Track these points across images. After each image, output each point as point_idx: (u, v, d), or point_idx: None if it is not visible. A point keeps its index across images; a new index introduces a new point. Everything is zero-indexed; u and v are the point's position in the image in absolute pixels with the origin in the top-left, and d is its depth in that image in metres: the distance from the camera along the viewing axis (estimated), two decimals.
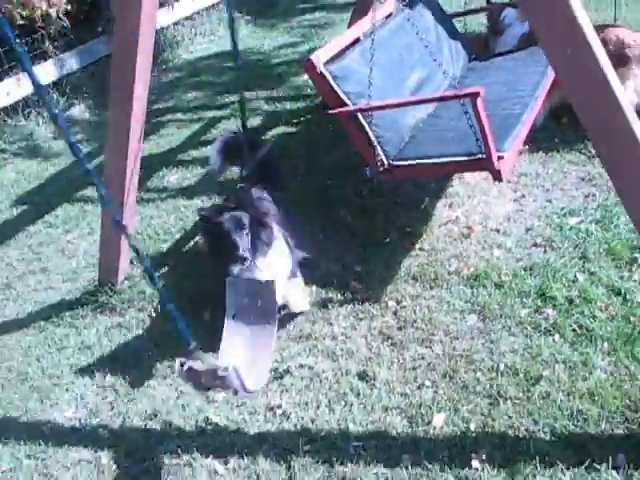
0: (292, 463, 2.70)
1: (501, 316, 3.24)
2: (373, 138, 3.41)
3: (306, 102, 6.21)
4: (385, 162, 3.45)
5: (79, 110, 7.19)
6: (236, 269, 3.13)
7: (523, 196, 4.17)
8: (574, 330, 3.08)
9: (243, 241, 3.11)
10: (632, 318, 3.06)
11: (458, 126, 3.38)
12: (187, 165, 5.54)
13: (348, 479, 2.60)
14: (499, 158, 3.11)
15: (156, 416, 3.07)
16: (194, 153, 5.75)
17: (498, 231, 3.86)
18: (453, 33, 4.63)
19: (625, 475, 2.40)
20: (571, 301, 3.24)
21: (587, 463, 2.46)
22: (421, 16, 4.37)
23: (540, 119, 4.55)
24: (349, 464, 2.65)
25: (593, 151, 4.21)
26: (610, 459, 2.45)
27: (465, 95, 3.01)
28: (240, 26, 8.80)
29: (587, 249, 3.56)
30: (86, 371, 3.49)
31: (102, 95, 7.05)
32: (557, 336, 3.07)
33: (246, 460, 2.76)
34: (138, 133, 3.63)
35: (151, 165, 5.48)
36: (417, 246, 3.81)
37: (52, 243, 4.83)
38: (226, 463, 2.79)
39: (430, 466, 2.58)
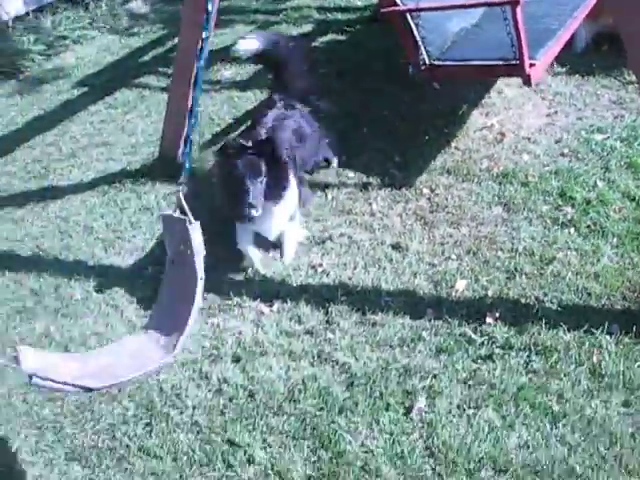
0: (330, 309, 3.12)
1: (524, 209, 3.58)
2: (418, 38, 3.72)
3: (356, 14, 6.44)
4: (427, 61, 3.76)
5: (137, 5, 7.43)
6: (242, 215, 3.21)
7: (556, 112, 4.45)
8: (588, 226, 3.42)
9: (256, 190, 3.14)
10: None
11: (498, 36, 3.64)
12: (240, 62, 5.83)
13: (378, 324, 3.01)
14: (531, 65, 3.42)
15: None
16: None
17: (529, 139, 4.17)
18: None
19: (616, 339, 2.78)
20: (589, 202, 3.57)
21: (585, 327, 2.84)
22: None
23: (581, 44, 4.80)
24: (380, 313, 3.06)
25: (628, 77, 4.49)
26: (606, 326, 2.83)
27: (506, 2, 3.30)
28: None
29: (609, 161, 3.86)
30: (147, 228, 3.90)
31: None
32: (572, 229, 3.42)
33: (289, 304, 3.18)
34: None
35: (210, 59, 5.76)
36: (453, 145, 4.14)
37: (112, 122, 5.20)
38: (271, 306, 3.20)
39: (450, 320, 2.98)
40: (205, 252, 2.64)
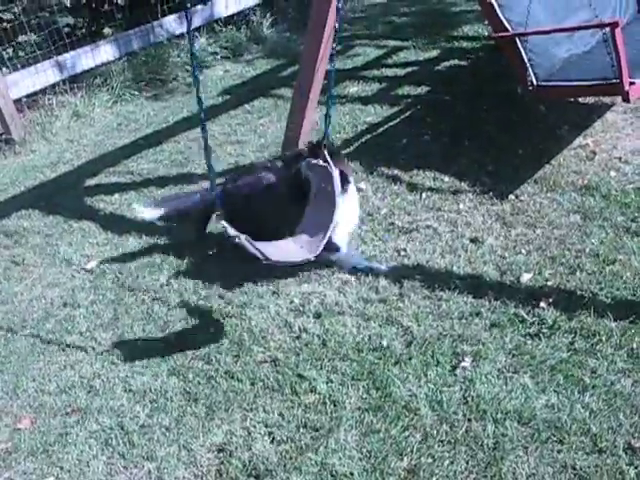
0: (404, 285, 3.56)
1: (599, 218, 3.86)
2: (526, 60, 4.12)
3: (480, 43, 6.87)
4: (534, 82, 4.15)
5: (282, 28, 8.23)
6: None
7: None
8: None
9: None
10: None
11: (603, 59, 3.99)
12: (367, 81, 6.42)
13: (443, 300, 3.42)
14: (630, 84, 3.73)
15: None
16: (375, 72, 6.62)
17: (620, 159, 4.42)
18: None
19: None
20: None
21: (632, 319, 3.11)
22: None
23: None
24: (447, 291, 3.46)
25: None
26: None
27: (605, 25, 3.65)
28: None
29: None
30: None
31: (305, 18, 8.07)
32: None
33: (370, 278, 3.65)
34: (324, 52, 4.53)
35: (336, 77, 6.38)
36: (544, 160, 4.47)
37: (247, 124, 5.91)
38: (354, 275, 3.68)
39: (508, 302, 3.33)
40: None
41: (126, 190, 5.05)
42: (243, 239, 2.94)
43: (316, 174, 3.39)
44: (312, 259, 3.15)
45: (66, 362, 3.43)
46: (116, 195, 4.99)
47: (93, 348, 3.49)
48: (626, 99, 3.87)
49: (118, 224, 4.57)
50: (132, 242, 4.34)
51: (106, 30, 7.36)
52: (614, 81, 3.82)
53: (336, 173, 3.30)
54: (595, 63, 4.17)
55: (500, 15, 4.23)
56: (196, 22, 7.62)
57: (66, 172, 5.57)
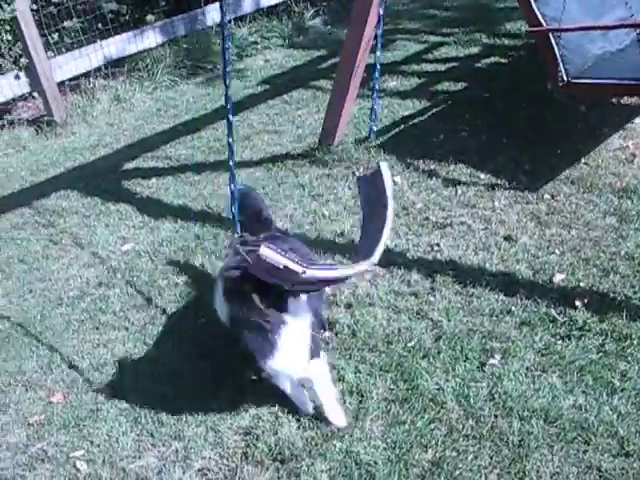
0: (436, 279, 3.56)
1: (637, 222, 3.82)
2: (558, 56, 4.09)
3: (521, 41, 6.81)
4: (565, 78, 4.12)
5: (323, 20, 8.26)
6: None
7: None
8: None
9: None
10: None
11: (637, 60, 3.95)
12: (406, 75, 6.41)
13: (475, 296, 3.42)
14: None
15: None
16: (414, 67, 6.60)
17: None
18: None
19: None
20: None
21: None
22: None
23: None
24: (478, 288, 3.46)
25: None
26: None
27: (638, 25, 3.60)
28: None
29: None
30: (297, 200, 4.52)
31: (345, 11, 8.11)
32: None
33: (403, 271, 3.66)
34: (367, 44, 4.56)
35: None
36: (583, 161, 4.43)
37: (285, 114, 5.94)
38: (386, 268, 3.69)
39: (539, 301, 3.32)
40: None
41: (163, 175, 5.12)
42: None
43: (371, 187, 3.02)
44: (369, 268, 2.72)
45: (99, 340, 3.51)
46: (153, 179, 5.06)
47: (126, 328, 3.56)
48: None
49: (155, 208, 4.65)
50: (167, 226, 4.40)
51: (149, 17, 7.44)
52: None
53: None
54: (628, 62, 4.14)
55: (535, 9, 4.22)
56: (241, 11, 7.67)
57: (105, 155, 5.67)
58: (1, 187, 5.41)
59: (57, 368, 3.36)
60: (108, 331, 3.55)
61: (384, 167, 2.90)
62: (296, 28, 7.93)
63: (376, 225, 2.80)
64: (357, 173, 4.68)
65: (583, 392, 2.82)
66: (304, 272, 2.31)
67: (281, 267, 2.28)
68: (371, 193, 2.99)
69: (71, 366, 3.36)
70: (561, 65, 4.15)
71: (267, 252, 2.27)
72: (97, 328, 3.59)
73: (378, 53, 4.67)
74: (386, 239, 2.72)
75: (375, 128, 5.04)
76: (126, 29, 7.03)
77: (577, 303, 3.27)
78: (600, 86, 4.06)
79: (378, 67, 4.73)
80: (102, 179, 5.20)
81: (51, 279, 4.07)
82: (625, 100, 5.06)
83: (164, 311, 3.62)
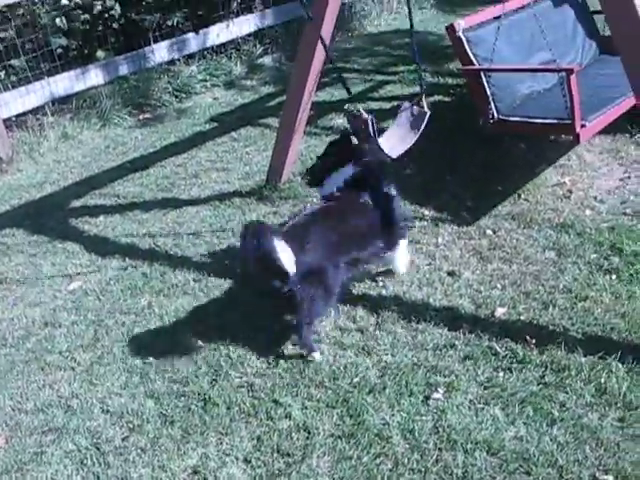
0: (381, 315, 3.63)
1: (574, 255, 3.96)
2: (489, 94, 4.28)
3: (464, 80, 7.00)
4: (495, 116, 4.30)
5: (271, 59, 8.39)
6: None
7: (629, 177, 4.81)
8: (630, 275, 3.75)
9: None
10: None
11: (559, 99, 4.14)
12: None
13: (419, 331, 3.49)
14: (582, 126, 3.88)
15: None
16: (360, 105, 6.71)
17: (595, 198, 4.55)
18: (590, 28, 5.38)
19: (628, 367, 3.10)
20: (637, 254, 3.90)
21: (601, 354, 3.18)
22: (561, 9, 5.19)
23: None
24: (423, 323, 3.53)
25: None
26: (620, 355, 3.16)
27: (562, 69, 3.81)
28: (428, 8, 9.81)
29: None
30: None
31: (293, 49, 8.26)
32: (614, 276, 3.76)
33: (348, 307, 3.71)
34: (313, 81, 4.67)
35: (323, 109, 6.54)
36: (523, 197, 4.59)
37: (233, 152, 6.01)
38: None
39: (482, 335, 3.41)
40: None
41: (111, 213, 5.11)
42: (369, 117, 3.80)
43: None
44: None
45: (45, 381, 3.47)
46: (101, 217, 5.05)
47: (72, 368, 3.53)
48: (577, 141, 4.05)
49: (102, 246, 4.63)
50: (115, 264, 4.39)
51: (99, 53, 7.45)
52: (567, 122, 3.99)
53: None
54: (553, 102, 4.34)
55: (468, 50, 4.41)
56: (188, 50, 7.76)
57: (52, 192, 5.64)
58: None
59: (0, 411, 3.30)
60: (54, 371, 3.52)
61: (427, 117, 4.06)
62: (244, 66, 8.02)
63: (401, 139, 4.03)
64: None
65: (524, 423, 2.89)
66: None
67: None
68: (407, 120, 4.10)
69: (14, 408, 3.31)
70: (492, 103, 4.34)
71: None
72: (42, 369, 3.55)
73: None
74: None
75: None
76: (74, 66, 7.03)
77: (518, 337, 3.36)
78: (528, 124, 4.26)
79: None
80: (49, 217, 5.17)
81: None
82: (561, 138, 5.26)
83: (111, 350, 3.60)
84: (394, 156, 3.88)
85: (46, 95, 6.65)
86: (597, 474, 2.63)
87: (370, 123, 3.75)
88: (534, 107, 4.40)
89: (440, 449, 2.81)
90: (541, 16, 4.51)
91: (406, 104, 4.10)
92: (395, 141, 4.02)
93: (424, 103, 4.09)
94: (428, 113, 4.02)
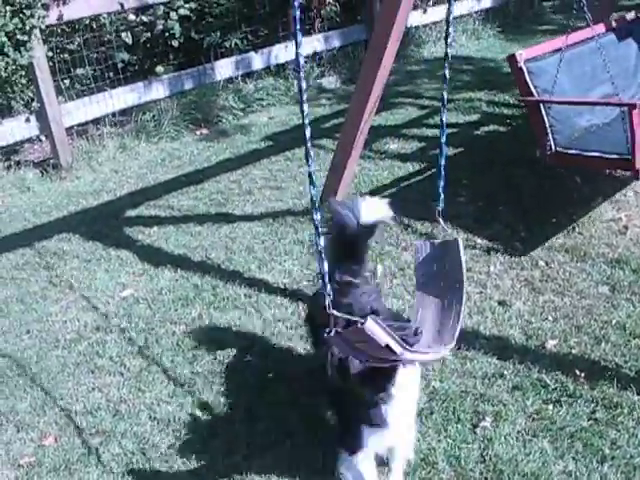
0: None
1: (629, 292, 3.90)
2: (547, 126, 4.27)
3: (520, 110, 6.99)
4: (553, 148, 4.28)
5: (328, 81, 8.48)
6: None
7: None
8: None
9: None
10: None
11: (620, 134, 4.11)
12: (407, 139, 6.57)
13: (468, 358, 3.47)
14: None
15: None
16: (415, 131, 6.77)
17: None
18: None
19: None
20: None
21: None
22: (625, 43, 5.15)
23: None
24: (472, 350, 3.51)
25: None
26: None
27: (623, 104, 3.78)
28: (485, 38, 9.85)
29: None
30: (297, 256, 4.60)
31: (350, 72, 8.37)
32: None
33: None
34: (372, 105, 4.70)
35: (378, 133, 6.57)
36: (577, 230, 4.54)
37: (288, 171, 6.06)
38: None
39: (531, 366, 3.37)
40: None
41: (165, 224, 5.20)
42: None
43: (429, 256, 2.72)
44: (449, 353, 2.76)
45: (94, 384, 3.53)
46: (155, 228, 5.14)
47: (121, 373, 3.58)
48: (636, 176, 4.00)
49: (155, 256, 4.71)
50: (167, 274, 4.46)
51: (158, 68, 7.62)
52: (627, 157, 3.95)
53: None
54: (612, 137, 4.30)
55: (528, 81, 4.41)
56: (248, 68, 7.89)
57: (108, 201, 5.76)
58: (4, 227, 5.47)
59: (50, 410, 3.37)
60: (103, 375, 3.58)
61: (460, 243, 2.63)
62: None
63: (446, 303, 2.49)
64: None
65: (573, 458, 2.85)
66: (402, 354, 2.06)
67: (382, 345, 2.02)
68: (436, 264, 2.66)
69: (64, 409, 3.37)
70: (550, 135, 4.32)
71: (373, 327, 1.99)
72: (92, 372, 3.62)
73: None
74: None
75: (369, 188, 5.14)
76: (136, 79, 7.20)
77: (569, 370, 3.31)
78: (586, 158, 4.23)
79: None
80: (104, 224, 5.28)
81: (48, 320, 4.11)
82: (617, 172, 5.19)
83: (161, 358, 3.65)
84: (454, 342, 2.34)
85: (108, 106, 6.81)
86: None
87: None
88: (593, 141, 4.36)
89: (486, 478, 2.78)
90: (604, 50, 4.48)
91: (417, 244, 2.76)
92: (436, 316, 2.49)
93: (443, 224, 2.73)
94: (459, 239, 2.65)
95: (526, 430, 3.01)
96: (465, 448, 2.93)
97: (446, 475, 2.81)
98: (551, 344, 3.54)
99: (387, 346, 2.01)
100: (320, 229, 2.23)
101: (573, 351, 3.47)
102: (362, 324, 1.98)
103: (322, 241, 2.21)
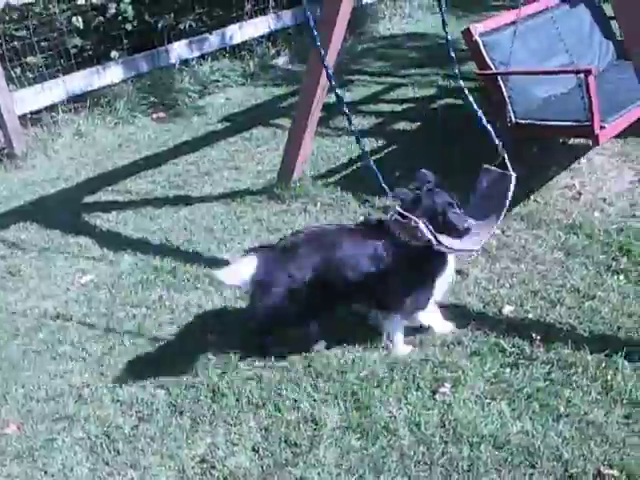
0: None
1: (582, 256, 3.98)
2: (506, 98, 4.31)
3: (477, 83, 7.04)
4: (513, 119, 4.33)
5: (283, 60, 8.46)
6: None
7: (639, 180, 4.83)
8: (638, 275, 3.77)
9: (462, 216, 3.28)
10: None
11: (578, 101, 4.17)
12: (365, 115, 6.60)
13: (427, 327, 3.52)
14: (601, 127, 3.90)
15: None
16: (372, 107, 6.80)
17: (604, 200, 4.57)
18: (606, 33, 5.39)
19: (634, 365, 3.12)
20: None
21: (607, 352, 3.20)
22: (578, 14, 5.20)
23: None
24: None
25: None
26: (626, 353, 3.16)
27: (580, 71, 3.84)
28: (437, 14, 9.81)
29: None
30: (255, 234, 4.61)
31: (304, 51, 8.33)
32: (622, 276, 3.77)
33: None
34: (324, 84, 4.70)
35: (334, 111, 6.54)
36: (532, 198, 4.61)
37: (245, 152, 6.06)
38: None
39: (489, 332, 3.43)
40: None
41: (124, 209, 5.17)
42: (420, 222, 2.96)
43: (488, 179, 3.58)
44: (476, 253, 3.55)
45: (56, 371, 3.51)
46: (113, 213, 5.11)
47: (84, 359, 3.58)
48: (596, 142, 4.06)
49: (114, 241, 4.69)
50: (127, 259, 4.45)
51: (113, 53, 7.52)
52: (586, 124, 4.01)
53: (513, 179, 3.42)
54: (571, 105, 4.37)
55: (484, 54, 4.44)
56: (202, 50, 7.83)
57: (65, 188, 5.70)
58: None
59: (12, 399, 3.35)
60: (65, 362, 3.57)
61: (514, 180, 3.40)
62: (257, 67, 8.08)
63: (486, 219, 3.36)
64: (314, 208, 4.78)
65: (530, 418, 2.92)
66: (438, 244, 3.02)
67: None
68: (490, 189, 3.52)
69: (27, 397, 3.35)
70: (509, 106, 4.36)
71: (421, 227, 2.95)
72: (54, 359, 3.61)
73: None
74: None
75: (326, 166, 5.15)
76: (89, 65, 7.10)
77: (525, 334, 3.38)
78: (545, 127, 4.27)
79: None
80: (62, 212, 5.23)
81: (8, 310, 4.07)
82: (572, 141, 5.28)
83: (122, 342, 3.64)
84: (478, 247, 3.28)
85: (61, 93, 6.72)
86: (602, 469, 2.65)
87: (424, 229, 2.97)
88: (552, 110, 4.42)
89: (446, 442, 2.84)
90: (557, 21, 4.55)
91: (485, 167, 3.55)
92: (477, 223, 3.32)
93: (507, 163, 3.50)
94: (514, 176, 3.39)
95: (484, 394, 3.07)
96: (425, 414, 2.98)
97: (407, 441, 2.86)
98: (508, 310, 3.60)
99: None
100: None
101: (529, 315, 3.54)
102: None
103: None
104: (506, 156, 3.47)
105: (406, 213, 3.00)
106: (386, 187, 3.13)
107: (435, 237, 2.98)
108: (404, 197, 3.25)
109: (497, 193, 3.41)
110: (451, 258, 3.35)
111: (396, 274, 3.24)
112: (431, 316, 3.44)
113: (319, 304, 3.29)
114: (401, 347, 3.40)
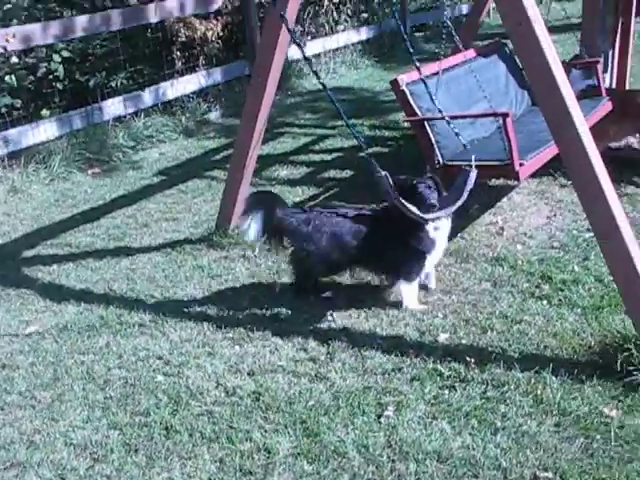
0: (332, 345, 3.83)
1: (508, 285, 4.27)
2: (434, 142, 4.62)
3: (402, 132, 7.44)
4: (441, 161, 4.63)
5: (215, 115, 8.71)
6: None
7: (555, 215, 5.21)
8: (560, 300, 4.08)
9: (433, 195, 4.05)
10: (606, 297, 4.04)
11: (500, 145, 4.52)
12: (295, 165, 6.87)
13: (368, 358, 3.70)
14: (520, 165, 4.24)
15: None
16: (302, 157, 7.08)
17: (525, 234, 4.91)
18: (521, 82, 5.86)
19: (561, 379, 3.37)
20: (564, 282, 4.24)
21: (536, 369, 3.45)
22: (494, 65, 5.66)
23: None
24: (371, 350, 3.75)
25: (624, 190, 5.27)
26: (554, 369, 3.43)
27: (498, 114, 4.18)
28: (364, 68, 10.35)
29: (590, 253, 4.55)
30: (197, 281, 4.74)
31: (235, 106, 8.63)
32: (545, 301, 4.08)
33: (300, 339, 3.91)
34: (258, 137, 4.95)
35: (267, 162, 6.85)
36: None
37: (182, 203, 6.21)
38: (285, 338, 3.93)
39: (427, 358, 3.65)
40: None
41: (64, 261, 5.22)
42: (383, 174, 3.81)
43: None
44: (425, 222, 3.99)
45: (5, 420, 3.52)
46: (54, 266, 5.15)
47: (33, 406, 3.59)
48: (517, 178, 4.40)
49: (57, 292, 4.73)
50: (71, 309, 4.49)
51: (44, 112, 7.61)
52: (507, 162, 4.36)
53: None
54: (492, 147, 4.73)
55: (412, 102, 4.78)
56: (136, 107, 8.00)
57: (3, 244, 5.71)
58: None
59: None
60: (14, 410, 3.57)
61: (473, 175, 4.08)
62: (190, 122, 8.30)
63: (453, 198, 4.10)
64: (253, 254, 4.95)
65: (470, 434, 3.11)
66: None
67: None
68: (457, 183, 4.17)
69: None
70: (437, 150, 4.68)
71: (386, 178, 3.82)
72: (2, 408, 3.61)
73: None
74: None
75: None
76: (22, 123, 7.16)
77: (460, 358, 3.60)
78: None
79: None
80: (0, 267, 5.23)
81: None
82: (494, 182, 5.65)
83: (72, 387, 3.69)
84: (428, 217, 3.96)
85: None
86: (537, 472, 2.87)
87: (388, 180, 3.85)
88: (476, 152, 4.74)
89: (393, 460, 3.00)
90: (476, 71, 4.92)
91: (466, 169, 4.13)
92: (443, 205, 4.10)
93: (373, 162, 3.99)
94: (474, 172, 4.07)
95: (426, 414, 3.26)
96: (372, 436, 3.14)
97: (357, 462, 3.01)
98: (443, 337, 3.83)
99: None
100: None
101: (463, 341, 3.77)
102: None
103: None
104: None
105: (381, 170, 3.85)
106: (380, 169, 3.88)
107: (392, 189, 3.80)
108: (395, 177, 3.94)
109: (459, 185, 4.11)
110: (441, 237, 4.15)
111: (395, 247, 4.07)
112: (408, 291, 4.13)
113: (346, 260, 4.22)
114: (411, 301, 4.15)
